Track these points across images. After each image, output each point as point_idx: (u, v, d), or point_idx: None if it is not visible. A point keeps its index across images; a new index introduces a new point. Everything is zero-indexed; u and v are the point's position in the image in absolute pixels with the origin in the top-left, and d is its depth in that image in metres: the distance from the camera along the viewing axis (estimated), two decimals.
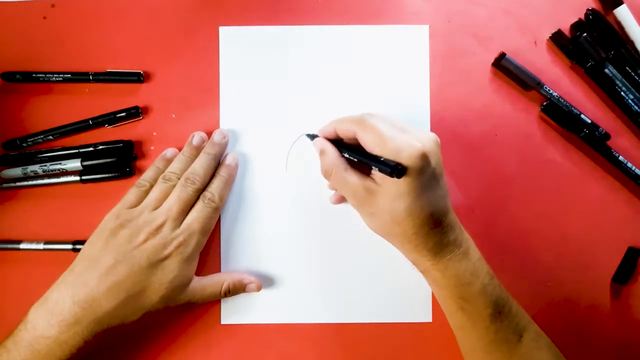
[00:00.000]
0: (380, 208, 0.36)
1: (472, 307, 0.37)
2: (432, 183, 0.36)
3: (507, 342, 0.37)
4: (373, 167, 0.35)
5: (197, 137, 0.44)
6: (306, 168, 0.45)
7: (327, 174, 0.40)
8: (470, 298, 0.37)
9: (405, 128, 0.37)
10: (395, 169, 0.33)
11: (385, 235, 0.39)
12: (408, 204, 0.35)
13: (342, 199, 0.44)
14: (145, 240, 0.39)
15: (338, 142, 0.40)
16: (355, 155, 0.37)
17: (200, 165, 0.42)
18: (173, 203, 0.40)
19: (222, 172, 0.43)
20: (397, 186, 0.35)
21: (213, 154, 0.43)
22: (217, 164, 0.44)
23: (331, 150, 0.39)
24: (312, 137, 0.42)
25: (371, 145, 0.36)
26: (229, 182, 0.43)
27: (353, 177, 0.38)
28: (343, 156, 0.39)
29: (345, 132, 0.39)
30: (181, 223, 0.40)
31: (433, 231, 0.36)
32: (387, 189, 0.36)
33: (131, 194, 0.42)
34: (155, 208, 0.41)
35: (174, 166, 0.43)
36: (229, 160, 0.44)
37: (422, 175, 0.35)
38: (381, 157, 0.35)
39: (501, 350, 0.37)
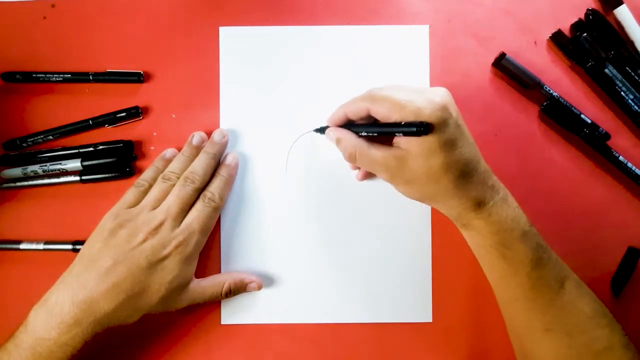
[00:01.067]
0: (416, 171, 0.36)
1: (513, 253, 0.37)
2: (458, 132, 0.36)
3: (549, 289, 0.37)
4: (397, 134, 0.35)
5: (197, 136, 0.44)
6: (306, 168, 0.45)
7: (351, 158, 0.39)
8: (512, 244, 0.37)
9: (415, 89, 0.37)
10: (421, 127, 0.33)
11: (425, 198, 0.39)
12: (442, 158, 0.35)
13: (368, 175, 0.44)
14: (144, 240, 0.39)
15: (349, 126, 0.40)
16: (375, 130, 0.37)
17: (200, 164, 0.42)
18: (172, 202, 0.40)
19: (222, 172, 0.43)
20: (427, 145, 0.35)
21: (213, 154, 0.43)
22: (217, 163, 0.44)
23: (348, 134, 0.39)
24: (321, 130, 0.42)
25: (388, 114, 0.36)
26: (229, 182, 0.43)
27: (379, 152, 0.37)
28: (361, 136, 0.39)
29: (356, 112, 0.38)
30: (181, 222, 0.40)
31: (472, 179, 0.36)
32: (418, 151, 0.35)
33: (130, 194, 0.42)
34: (155, 207, 0.40)
35: (174, 166, 0.42)
36: (229, 160, 0.44)
37: (447, 126, 0.35)
38: (402, 122, 0.35)
39: (543, 298, 0.37)
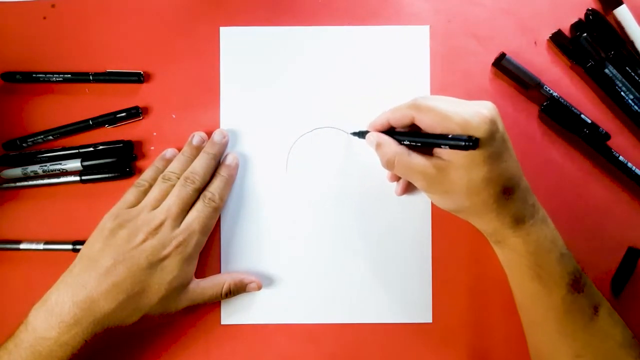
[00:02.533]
0: (455, 183, 0.35)
1: (549, 275, 0.37)
2: (504, 147, 0.35)
3: (583, 314, 0.37)
4: (442, 146, 0.34)
5: (197, 137, 0.44)
6: (306, 168, 0.45)
7: (389, 165, 0.38)
8: (548, 266, 0.37)
9: (460, 101, 0.36)
10: (469, 141, 0.32)
11: (461, 210, 0.38)
12: (485, 172, 0.34)
13: (407, 188, 0.44)
14: (145, 240, 0.39)
15: (392, 133, 0.39)
16: (420, 140, 0.37)
17: (200, 164, 0.42)
18: (172, 202, 0.40)
19: (223, 172, 0.43)
20: (471, 157, 0.34)
21: (213, 154, 0.43)
22: (217, 163, 0.44)
23: (389, 140, 0.38)
24: (359, 134, 0.42)
25: (433, 125, 0.35)
26: (230, 182, 0.43)
27: (419, 160, 0.37)
28: (402, 144, 0.38)
29: (400, 120, 0.38)
30: (181, 223, 0.40)
31: (513, 196, 0.36)
32: (460, 162, 0.35)
33: (130, 194, 0.42)
34: (155, 208, 0.40)
35: (174, 166, 0.43)
36: (229, 160, 0.44)
37: (494, 140, 0.34)
38: (449, 135, 0.34)
39: (576, 322, 0.37)
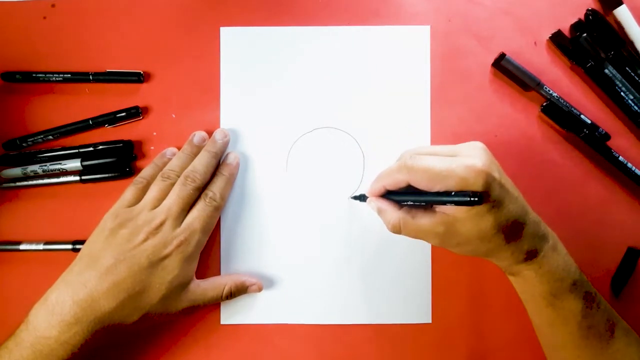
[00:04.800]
0: (466, 234, 0.35)
1: (563, 302, 0.37)
2: (503, 192, 0.35)
3: (600, 337, 0.37)
4: (448, 204, 0.34)
5: (198, 135, 0.44)
6: (306, 168, 0.45)
7: (395, 229, 0.38)
8: (562, 294, 0.37)
9: (451, 151, 0.36)
10: (474, 197, 0.31)
11: (478, 254, 0.38)
12: (492, 220, 0.34)
13: None
14: (145, 240, 0.39)
15: (394, 194, 0.39)
16: (423, 199, 0.36)
17: (201, 163, 0.42)
18: (173, 202, 0.40)
19: (224, 171, 0.43)
20: (475, 210, 0.34)
21: (214, 152, 0.43)
22: (218, 163, 0.44)
23: (389, 206, 0.38)
24: (359, 197, 0.42)
25: (430, 185, 0.35)
26: (231, 181, 0.43)
27: (425, 220, 0.36)
28: (405, 205, 0.38)
29: (395, 184, 0.37)
30: (182, 222, 0.40)
31: (523, 233, 0.36)
32: (466, 215, 0.34)
33: (129, 192, 0.42)
34: (155, 207, 0.40)
35: (173, 164, 0.42)
36: (230, 159, 0.44)
37: (492, 190, 0.34)
38: (452, 192, 0.33)
39: (593, 346, 0.37)
